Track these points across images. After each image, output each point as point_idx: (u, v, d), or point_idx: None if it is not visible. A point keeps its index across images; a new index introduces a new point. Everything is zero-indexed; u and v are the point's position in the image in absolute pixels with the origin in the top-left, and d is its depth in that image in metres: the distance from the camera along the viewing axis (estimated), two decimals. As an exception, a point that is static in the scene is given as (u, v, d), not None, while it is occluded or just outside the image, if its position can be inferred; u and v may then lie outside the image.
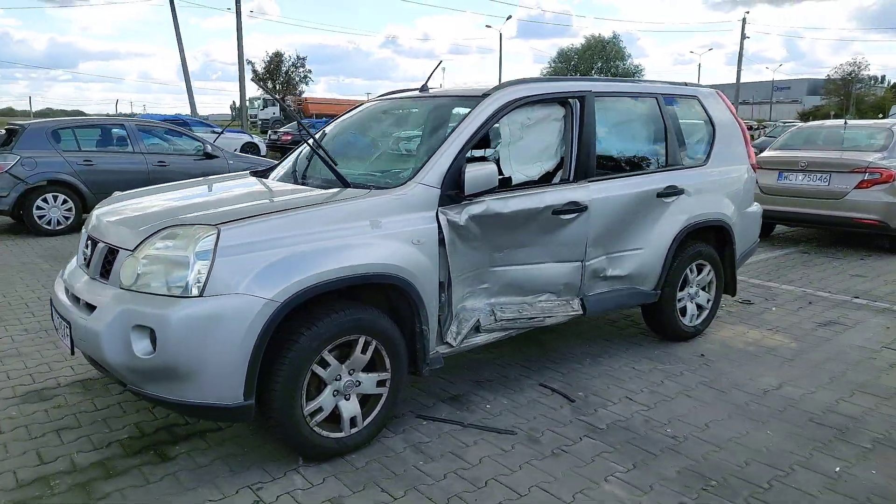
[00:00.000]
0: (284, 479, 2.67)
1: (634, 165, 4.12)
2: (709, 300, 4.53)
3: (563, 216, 3.53)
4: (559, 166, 3.69)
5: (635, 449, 2.97)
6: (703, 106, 4.49)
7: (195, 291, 2.42)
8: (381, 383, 2.93)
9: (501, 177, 3.46)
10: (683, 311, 4.37)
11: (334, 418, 2.81)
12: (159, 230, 2.58)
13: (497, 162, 3.42)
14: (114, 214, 3.03)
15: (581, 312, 3.77)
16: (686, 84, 4.56)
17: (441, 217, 3.02)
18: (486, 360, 4.04)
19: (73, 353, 2.71)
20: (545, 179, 3.65)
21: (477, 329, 3.34)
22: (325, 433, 2.76)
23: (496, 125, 3.41)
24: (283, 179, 3.72)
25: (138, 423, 3.12)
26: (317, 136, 3.72)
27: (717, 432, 3.15)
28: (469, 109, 3.32)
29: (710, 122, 4.51)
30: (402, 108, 3.99)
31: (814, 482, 2.72)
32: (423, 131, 3.69)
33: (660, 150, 4.20)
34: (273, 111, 41.90)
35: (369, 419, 2.91)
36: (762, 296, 5.62)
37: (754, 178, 4.85)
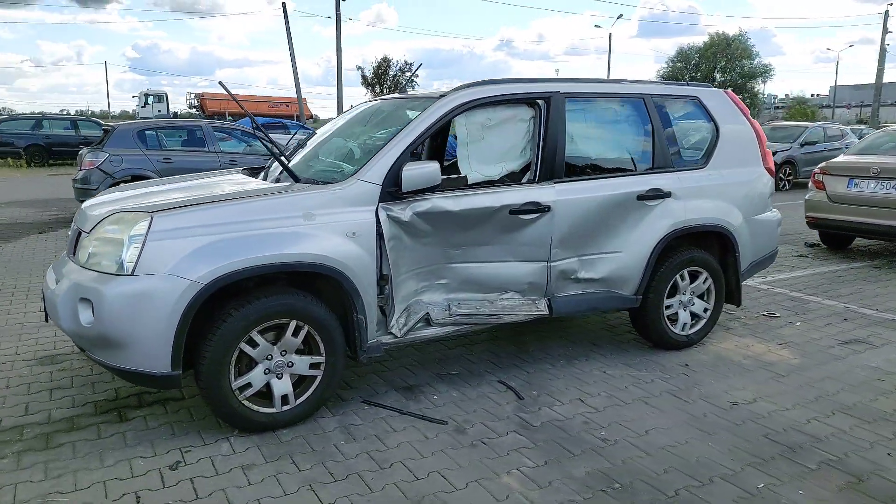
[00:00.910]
0: (214, 445, 2.94)
1: (613, 167, 4.05)
2: (706, 309, 4.35)
3: (522, 216, 3.57)
4: (525, 167, 3.73)
5: (556, 447, 2.98)
6: (704, 106, 4.33)
7: (128, 270, 2.74)
8: (314, 366, 3.13)
9: (458, 176, 3.56)
10: (674, 318, 4.24)
11: (267, 395, 3.05)
12: (109, 216, 2.94)
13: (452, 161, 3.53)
14: (93, 204, 3.44)
15: (546, 313, 3.78)
16: (686, 84, 4.41)
17: (381, 212, 3.18)
18: (457, 356, 4.14)
19: (46, 320, 3.14)
20: (511, 179, 3.71)
21: (428, 322, 3.47)
22: (255, 407, 3.01)
23: (453, 125, 3.52)
24: (265, 176, 4.01)
25: (118, 389, 3.52)
26: (300, 136, 3.98)
27: (654, 439, 3.08)
28: (420, 111, 3.45)
29: (713, 123, 4.34)
30: (377, 109, 4.17)
31: (725, 496, 2.62)
32: (382, 132, 3.86)
33: (644, 151, 4.11)
34: (159, 108, 39.86)
35: (302, 398, 3.12)
36: (794, 309, 5.27)
37: (770, 182, 4.59)
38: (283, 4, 30.62)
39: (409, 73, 55.44)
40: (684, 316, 4.27)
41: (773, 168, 4.66)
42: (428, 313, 3.46)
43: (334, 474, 2.72)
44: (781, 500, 2.61)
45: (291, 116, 38.63)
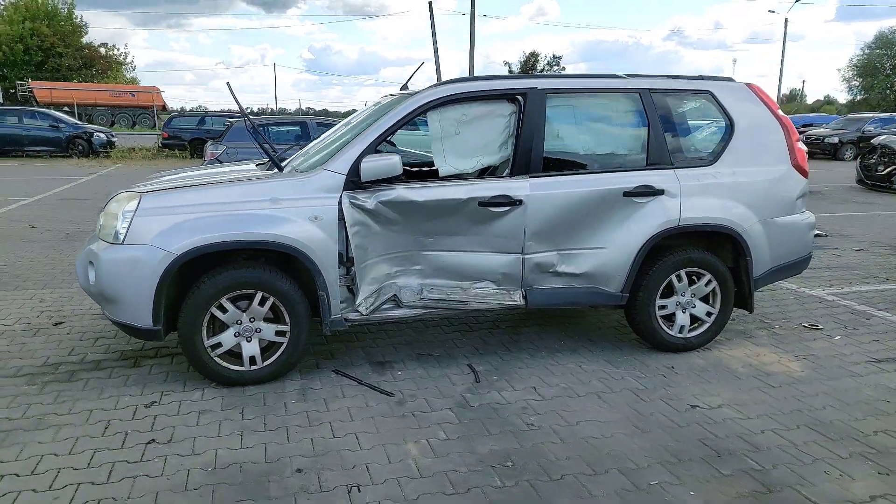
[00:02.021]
0: (189, 392, 3.47)
1: (600, 163, 4.04)
2: (709, 313, 4.18)
3: (493, 209, 3.73)
4: (506, 161, 3.87)
5: (478, 426, 3.15)
6: (717, 101, 4.16)
7: (120, 240, 3.34)
8: (280, 333, 3.56)
9: (429, 169, 3.79)
10: (671, 320, 4.14)
11: (238, 355, 3.53)
12: (114, 196, 3.57)
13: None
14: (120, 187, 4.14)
15: (521, 304, 3.91)
16: (700, 77, 4.25)
17: (344, 199, 3.53)
18: (446, 340, 4.37)
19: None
20: (487, 174, 3.87)
21: (398, 303, 3.76)
22: (226, 364, 3.50)
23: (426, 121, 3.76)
24: (270, 167, 4.44)
25: (147, 342, 4.19)
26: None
27: (580, 430, 3.13)
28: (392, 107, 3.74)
29: (727, 118, 4.15)
30: (382, 106, 4.48)
31: (610, 486, 2.65)
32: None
33: (638, 148, 4.05)
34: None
35: (269, 361, 3.56)
36: (846, 323, 4.83)
37: (800, 182, 4.28)
38: (430, 3, 31.83)
39: (555, 68, 55.02)
40: (682, 318, 4.14)
41: (806, 167, 4.34)
42: (396, 295, 3.75)
43: (268, 426, 3.12)
44: (666, 497, 2.59)
45: (149, 106, 40.43)
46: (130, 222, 3.34)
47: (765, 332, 4.61)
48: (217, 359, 3.49)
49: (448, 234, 3.77)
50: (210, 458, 2.80)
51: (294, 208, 3.47)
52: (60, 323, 4.55)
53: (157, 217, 3.35)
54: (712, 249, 4.19)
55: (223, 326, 3.49)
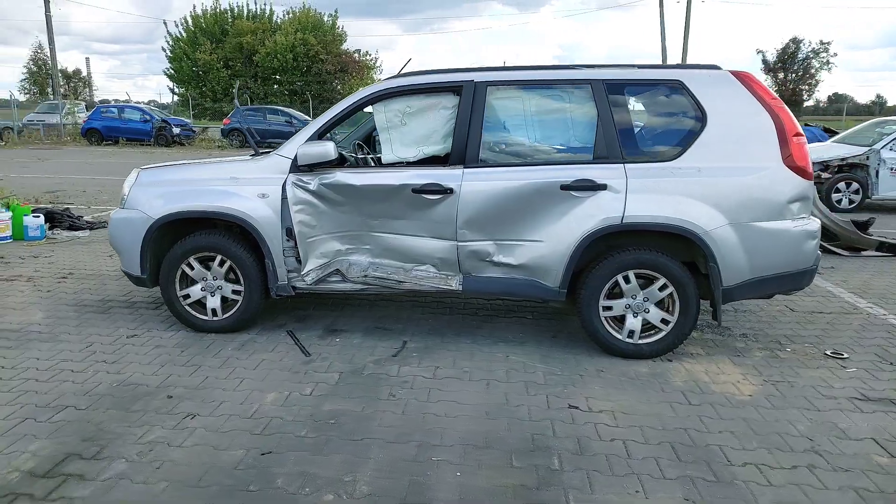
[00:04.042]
0: (166, 331, 4.29)
1: (543, 156, 3.95)
2: (664, 320, 3.87)
3: (426, 196, 3.95)
4: (446, 152, 4.04)
5: (346, 389, 3.45)
6: (688, 91, 3.81)
7: (123, 205, 4.26)
8: (236, 292, 4.21)
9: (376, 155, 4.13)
10: (621, 322, 3.93)
11: (206, 307, 4.26)
12: (133, 170, 4.50)
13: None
14: None
15: (457, 289, 4.06)
16: (672, 66, 3.91)
17: (289, 180, 4.04)
18: (408, 318, 4.64)
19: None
20: (435, 163, 4.07)
21: (344, 278, 4.18)
22: (194, 313, 4.26)
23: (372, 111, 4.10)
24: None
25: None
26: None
27: (430, 407, 3.26)
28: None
29: (699, 109, 3.79)
30: None
31: (394, 454, 2.81)
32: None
33: (585, 141, 3.89)
34: None
35: (227, 315, 4.24)
36: (891, 358, 4.04)
37: (794, 183, 3.74)
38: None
39: (823, 55, 47.93)
40: (633, 322, 3.91)
41: (806, 166, 3.76)
42: (339, 269, 4.17)
43: (189, 362, 3.78)
44: (429, 471, 2.68)
45: None
46: (130, 191, 4.24)
47: (763, 353, 4.08)
48: (188, 307, 4.25)
49: (392, 218, 4.06)
50: (124, 378, 3.55)
51: (247, 186, 4.08)
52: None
53: (148, 188, 4.21)
54: (674, 252, 3.87)
55: (193, 281, 4.24)
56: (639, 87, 3.93)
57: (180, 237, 4.23)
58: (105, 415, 3.12)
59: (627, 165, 3.80)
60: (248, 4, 53.70)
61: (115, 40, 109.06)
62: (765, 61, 45.90)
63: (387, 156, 4.12)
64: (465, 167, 3.93)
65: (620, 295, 3.90)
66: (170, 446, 2.84)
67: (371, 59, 58.56)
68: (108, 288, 5.27)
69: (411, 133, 4.09)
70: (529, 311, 4.83)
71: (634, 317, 3.91)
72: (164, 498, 2.48)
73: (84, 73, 50.25)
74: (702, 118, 3.79)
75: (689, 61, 28.19)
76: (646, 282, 3.87)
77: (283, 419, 3.11)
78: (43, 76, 38.15)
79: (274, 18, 50.64)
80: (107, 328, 4.33)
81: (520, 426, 3.09)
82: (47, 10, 32.35)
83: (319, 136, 4.07)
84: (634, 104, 3.91)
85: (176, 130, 24.32)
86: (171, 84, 48.59)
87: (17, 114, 26.74)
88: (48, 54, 34.11)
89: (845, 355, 4.05)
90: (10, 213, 6.92)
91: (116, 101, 37.46)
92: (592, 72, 3.92)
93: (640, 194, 3.76)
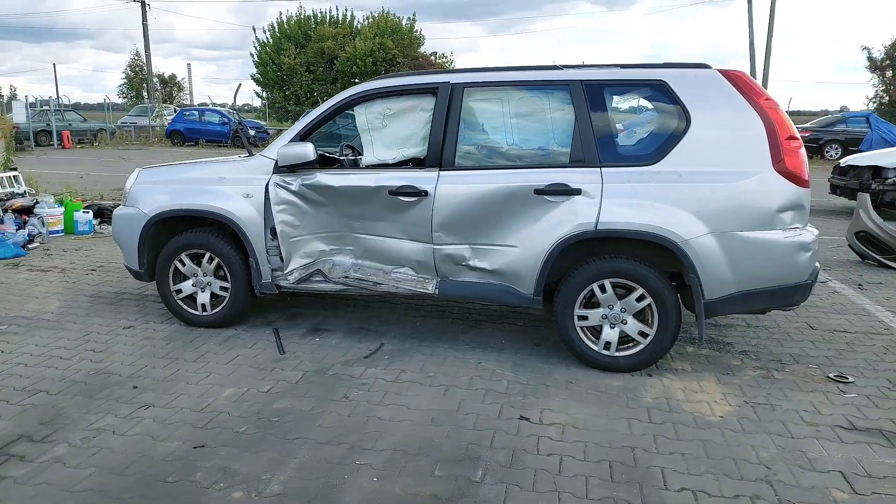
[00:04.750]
0: (163, 323, 4.48)
1: (520, 159, 3.83)
2: (643, 333, 3.69)
3: (402, 198, 3.94)
4: (424, 154, 4.01)
5: (304, 389, 3.49)
6: (671, 92, 3.61)
7: (125, 202, 4.48)
8: (224, 289, 4.34)
9: (352, 158, 4.16)
10: (598, 333, 3.78)
11: (196, 301, 4.42)
12: (135, 169, 4.72)
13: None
14: None
15: (433, 293, 4.03)
16: (656, 66, 3.70)
17: (272, 181, 4.12)
18: (395, 320, 4.63)
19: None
20: (408, 164, 4.06)
21: (326, 278, 4.24)
22: (186, 308, 4.42)
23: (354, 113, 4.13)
24: None
25: (192, 288, 5.37)
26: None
27: (378, 411, 3.25)
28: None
29: (682, 111, 3.59)
30: None
31: (320, 455, 2.83)
32: None
33: (561, 143, 3.76)
34: None
35: (215, 310, 4.38)
36: (895, 382, 3.69)
37: (788, 190, 3.47)
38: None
39: None
40: (609, 334, 3.74)
41: (801, 173, 3.49)
42: (321, 269, 4.22)
43: (168, 355, 3.93)
44: (346, 475, 2.67)
45: None
46: (130, 188, 4.47)
47: (757, 372, 3.81)
48: (180, 301, 4.42)
49: (371, 220, 4.08)
50: (103, 367, 3.73)
51: (234, 186, 4.20)
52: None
53: (146, 186, 4.42)
54: (658, 262, 3.67)
55: (185, 277, 4.41)
56: (619, 88, 3.77)
57: (177, 234, 4.41)
58: (70, 401, 3.30)
59: (604, 169, 3.64)
60: (330, 10, 55.34)
61: (213, 47, 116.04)
62: (870, 58, 41.89)
63: (367, 157, 4.14)
64: (440, 170, 3.88)
65: (597, 305, 3.75)
66: (114, 434, 2.97)
67: (447, 61, 59.20)
68: (127, 282, 5.55)
69: (391, 135, 4.09)
70: (520, 318, 4.72)
71: (611, 328, 3.74)
72: (86, 483, 2.59)
73: (179, 78, 53.35)
74: (685, 120, 3.58)
75: (773, 60, 26.74)
76: (624, 292, 3.69)
77: (229, 414, 3.18)
78: (139, 81, 40.80)
79: (354, 24, 51.99)
80: (110, 319, 4.58)
81: (460, 435, 3.02)
82: (144, 19, 34.69)
83: (302, 137, 4.13)
84: (614, 106, 3.74)
85: (251, 132, 25.40)
86: (257, 88, 50.80)
87: (112, 116, 28.71)
88: (145, 61, 36.48)
89: (850, 379, 3.72)
90: (62, 209, 7.44)
91: (203, 104, 39.67)
92: (572, 73, 3.78)
93: (616, 200, 3.60)
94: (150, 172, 4.54)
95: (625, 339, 3.75)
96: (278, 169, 4.12)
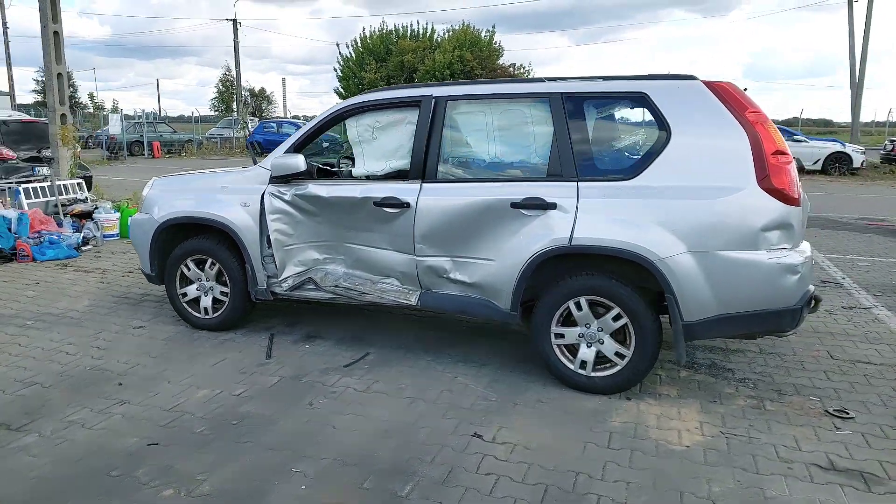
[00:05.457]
0: (168, 324, 4.71)
1: (500, 172, 3.78)
2: (619, 354, 3.55)
3: (386, 209, 3.99)
4: (409, 166, 4.05)
5: (275, 394, 3.59)
6: (652, 104, 3.47)
7: (140, 209, 4.76)
8: (224, 294, 4.52)
9: (343, 169, 4.26)
10: (575, 352, 3.67)
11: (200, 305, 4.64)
12: (152, 178, 4.99)
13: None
14: None
15: (414, 304, 4.05)
16: (638, 77, 3.56)
17: (268, 190, 4.27)
18: (391, 329, 4.66)
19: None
20: (394, 176, 4.10)
21: (317, 286, 4.34)
22: (191, 311, 4.64)
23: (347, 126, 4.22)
24: None
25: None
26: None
27: (337, 420, 3.29)
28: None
29: (663, 124, 3.44)
30: None
31: (264, 461, 2.90)
32: None
33: (540, 157, 3.68)
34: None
35: (217, 314, 4.56)
36: (906, 420, 3.37)
37: (773, 208, 3.26)
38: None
39: None
40: (586, 353, 3.62)
41: (789, 190, 3.27)
42: (312, 278, 4.33)
43: (161, 355, 4.13)
44: (276, 481, 2.72)
45: None
46: (145, 196, 4.75)
47: (748, 402, 3.58)
48: (185, 304, 4.65)
49: (360, 230, 4.15)
50: (100, 364, 3.97)
51: (233, 195, 4.38)
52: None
53: (158, 194, 4.68)
54: (634, 280, 3.53)
55: (190, 281, 4.63)
56: (599, 101, 3.66)
57: (185, 240, 4.65)
58: (58, 394, 3.54)
59: (581, 184, 3.55)
60: (411, 24, 56.45)
61: (306, 62, 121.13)
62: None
63: (357, 169, 4.22)
64: (423, 182, 3.90)
65: (575, 323, 3.64)
66: (83, 427, 3.16)
67: (525, 72, 58.92)
68: (154, 285, 5.88)
69: (380, 147, 4.15)
70: (514, 333, 4.63)
71: (588, 347, 3.62)
72: (40, 471, 2.77)
73: (269, 92, 56.07)
74: (666, 134, 3.43)
75: (868, 66, 25.02)
76: (602, 310, 3.57)
77: (193, 415, 3.31)
78: (229, 95, 43.15)
79: (434, 37, 52.86)
80: (126, 319, 4.87)
81: (405, 448, 3.01)
82: (235, 37, 36.68)
83: (296, 149, 4.26)
84: (594, 119, 3.64)
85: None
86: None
87: (201, 128, 30.48)
88: (234, 75, 38.57)
89: (851, 415, 3.43)
90: (118, 214, 7.97)
91: (296, 116, 41.47)
92: (552, 85, 3.71)
93: (592, 215, 3.49)
94: (164, 181, 4.81)
95: (602, 360, 3.62)
96: (273, 179, 4.26)
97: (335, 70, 52.20)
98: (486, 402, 3.52)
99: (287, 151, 4.26)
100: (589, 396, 3.60)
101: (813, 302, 3.93)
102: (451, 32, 51.56)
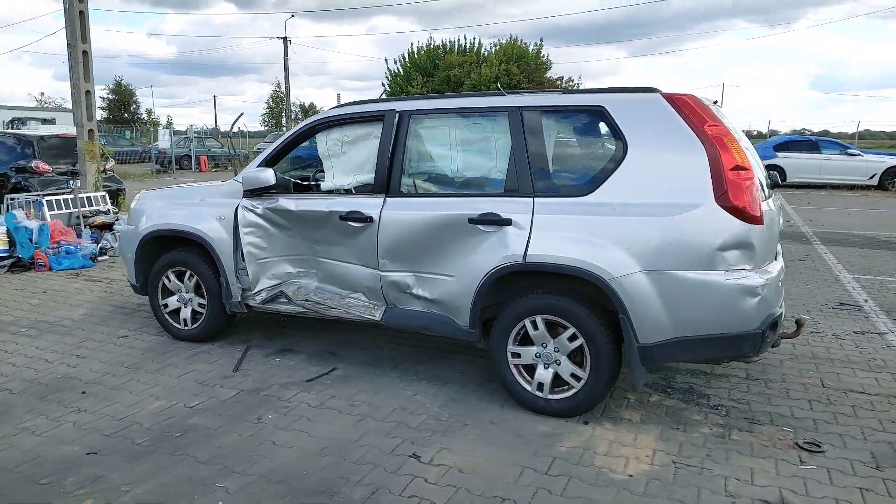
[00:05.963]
0: (154, 335, 4.81)
1: (461, 187, 3.71)
2: (575, 376, 3.42)
3: (351, 223, 3.98)
4: (374, 179, 4.03)
5: (228, 407, 3.60)
6: (610, 118, 3.35)
7: (128, 222, 4.90)
8: (202, 305, 4.59)
9: (315, 183, 4.28)
10: (532, 372, 3.56)
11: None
12: (140, 191, 5.12)
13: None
14: None
15: (378, 320, 4.02)
16: (596, 91, 3.45)
17: (242, 204, 4.33)
18: (362, 345, 4.63)
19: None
20: (360, 190, 4.10)
21: (289, 300, 4.36)
22: (172, 322, 4.73)
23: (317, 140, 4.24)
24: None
25: (205, 304, 5.72)
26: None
27: (279, 435, 3.28)
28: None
29: (620, 138, 3.32)
30: None
31: (190, 472, 2.91)
32: None
33: (498, 172, 3.60)
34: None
35: (196, 325, 4.64)
36: (880, 459, 3.13)
37: (731, 226, 3.10)
38: None
39: None
40: (543, 374, 3.51)
41: (749, 207, 3.09)
42: (284, 291, 4.35)
43: (133, 366, 4.21)
44: (196, 495, 2.72)
45: None
46: (132, 209, 4.88)
47: (713, 430, 3.39)
48: (167, 315, 4.74)
49: (329, 244, 4.16)
50: (73, 372, 4.08)
51: (210, 208, 4.46)
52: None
53: (143, 207, 4.81)
54: (593, 300, 3.40)
55: (171, 293, 4.72)
56: (558, 115, 3.56)
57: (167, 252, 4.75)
58: (22, 400, 3.65)
59: (537, 199, 3.46)
60: (458, 39, 56.87)
61: (360, 78, 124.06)
62: None
63: (326, 183, 4.23)
64: (386, 196, 3.88)
65: (532, 342, 3.53)
66: (32, 434, 3.24)
67: (573, 85, 58.36)
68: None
69: (347, 162, 4.16)
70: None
71: (545, 368, 3.50)
72: (-24, 476, 2.84)
73: (319, 107, 57.34)
74: (622, 149, 3.31)
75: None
76: (562, 329, 3.45)
77: (141, 425, 3.35)
78: (279, 111, 44.33)
79: (481, 51, 53.09)
80: (114, 328, 5.00)
81: (336, 467, 2.97)
82: (285, 54, 37.77)
83: (267, 163, 4.30)
84: (552, 134, 3.54)
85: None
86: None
87: (250, 143, 31.37)
88: (284, 91, 39.69)
89: (823, 448, 3.20)
90: (137, 226, 8.23)
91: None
92: (511, 99, 3.64)
93: (546, 232, 3.39)
94: (150, 195, 4.94)
95: (560, 382, 3.50)
96: (247, 193, 4.31)
97: (383, 85, 53.04)
98: (435, 422, 3.45)
99: (259, 165, 4.31)
100: (544, 419, 3.48)
101: (796, 326, 3.72)
102: (497, 46, 51.73)
